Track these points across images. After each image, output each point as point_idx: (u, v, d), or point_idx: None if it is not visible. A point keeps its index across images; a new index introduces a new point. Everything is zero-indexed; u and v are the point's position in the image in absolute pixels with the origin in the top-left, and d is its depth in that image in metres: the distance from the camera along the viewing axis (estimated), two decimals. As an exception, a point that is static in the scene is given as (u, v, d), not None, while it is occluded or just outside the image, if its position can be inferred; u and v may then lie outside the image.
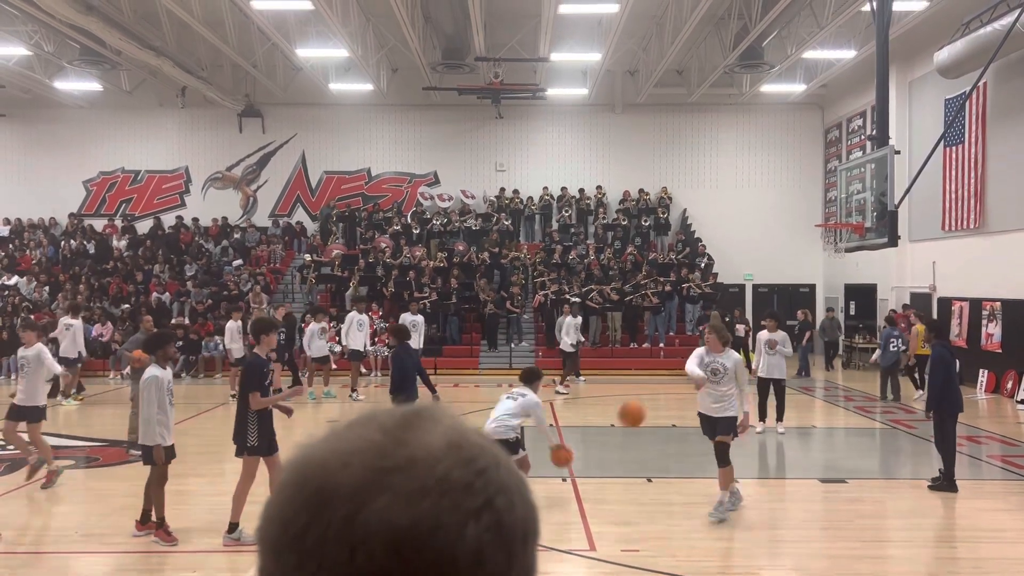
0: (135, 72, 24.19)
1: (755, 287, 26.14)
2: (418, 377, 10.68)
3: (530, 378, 8.27)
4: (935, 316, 19.56)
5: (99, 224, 26.46)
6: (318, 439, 0.72)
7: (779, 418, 12.39)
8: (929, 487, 9.16)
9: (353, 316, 16.60)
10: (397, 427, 0.70)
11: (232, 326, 16.27)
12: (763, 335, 12.42)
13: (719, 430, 8.18)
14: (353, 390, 16.04)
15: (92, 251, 25.17)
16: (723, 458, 8.11)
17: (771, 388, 12.32)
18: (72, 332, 15.38)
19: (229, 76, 24.85)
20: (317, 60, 22.06)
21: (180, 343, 18.92)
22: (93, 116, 26.30)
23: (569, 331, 17.72)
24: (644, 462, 10.82)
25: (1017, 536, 7.71)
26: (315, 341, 16.22)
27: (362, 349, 16.67)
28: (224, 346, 16.91)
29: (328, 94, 24.33)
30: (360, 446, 0.68)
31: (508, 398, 8.06)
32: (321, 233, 25.62)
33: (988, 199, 17.69)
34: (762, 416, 12.43)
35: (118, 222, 26.62)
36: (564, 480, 9.46)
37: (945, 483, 9.09)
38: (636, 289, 21.61)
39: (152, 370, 7.31)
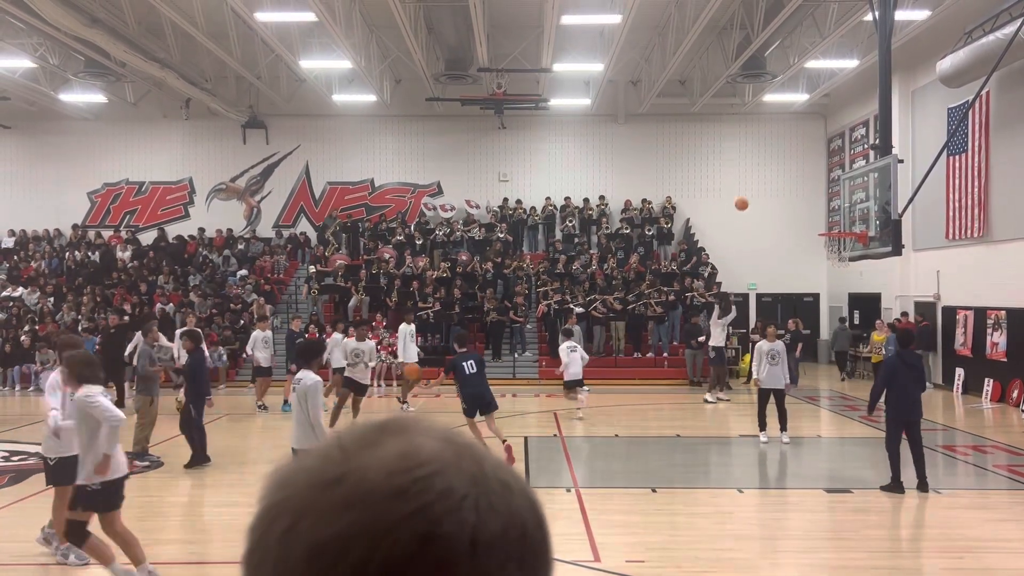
0: (139, 84, 24.31)
1: (759, 296, 26.10)
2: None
3: (309, 355, 7.49)
4: (939, 325, 19.54)
5: (103, 235, 26.52)
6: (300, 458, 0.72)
7: (783, 427, 12.33)
8: (880, 488, 9.42)
9: (404, 328, 16.28)
10: (356, 443, 0.68)
11: (258, 335, 16.26)
12: (763, 345, 12.37)
13: None
14: (404, 401, 15.89)
15: (96, 262, 25.22)
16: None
17: (771, 398, 12.25)
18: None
19: (233, 88, 24.95)
20: (321, 71, 22.15)
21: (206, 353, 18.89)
22: (98, 128, 26.42)
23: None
24: (648, 473, 10.78)
25: (1023, 546, 7.67)
26: (260, 351, 16.16)
27: (415, 360, 16.14)
28: (250, 352, 16.80)
29: (332, 105, 24.42)
30: (312, 464, 0.67)
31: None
32: (319, 243, 25.67)
33: (992, 208, 17.67)
34: (762, 426, 12.36)
35: (122, 233, 26.69)
36: (568, 491, 9.43)
37: (892, 484, 9.36)
38: (639, 299, 21.59)
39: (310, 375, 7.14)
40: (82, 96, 24.30)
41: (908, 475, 9.46)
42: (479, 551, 0.62)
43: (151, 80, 22.75)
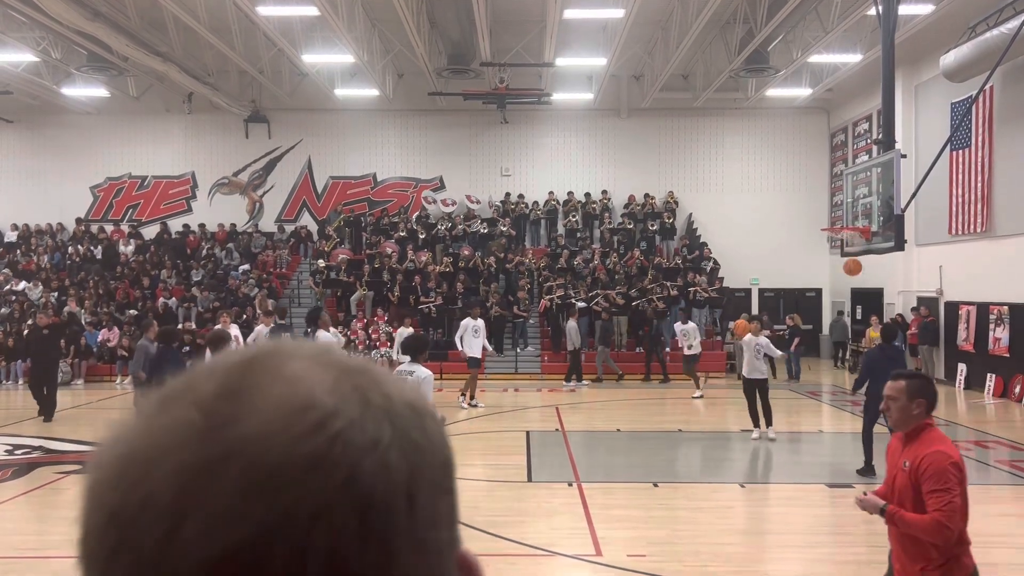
0: (142, 78, 24.31)
1: (761, 291, 26.08)
2: None
3: (418, 349, 7.60)
4: (942, 320, 19.51)
5: (105, 229, 26.56)
6: (123, 426, 0.53)
7: (768, 422, 12.18)
8: (856, 471, 10.02)
9: (468, 322, 16.09)
10: (218, 397, 0.50)
11: (262, 330, 16.26)
12: (748, 338, 12.36)
13: None
14: (472, 397, 15.67)
15: (99, 256, 25.26)
16: None
17: (756, 391, 12.23)
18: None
19: (235, 82, 24.94)
20: (323, 66, 22.13)
21: (187, 348, 18.95)
22: (100, 122, 26.43)
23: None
24: (650, 467, 10.79)
25: (1026, 541, 7.67)
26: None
27: (479, 355, 15.97)
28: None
29: (334, 99, 24.41)
30: (173, 435, 0.49)
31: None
32: (320, 237, 25.68)
33: (995, 203, 17.63)
34: (755, 422, 12.32)
35: (125, 227, 26.72)
36: (570, 485, 9.44)
37: (864, 468, 10.05)
38: (642, 294, 21.58)
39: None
40: (84, 90, 24.30)
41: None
42: (416, 503, 0.52)
43: (153, 74, 22.73)
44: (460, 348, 16.37)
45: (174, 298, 22.76)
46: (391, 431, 0.52)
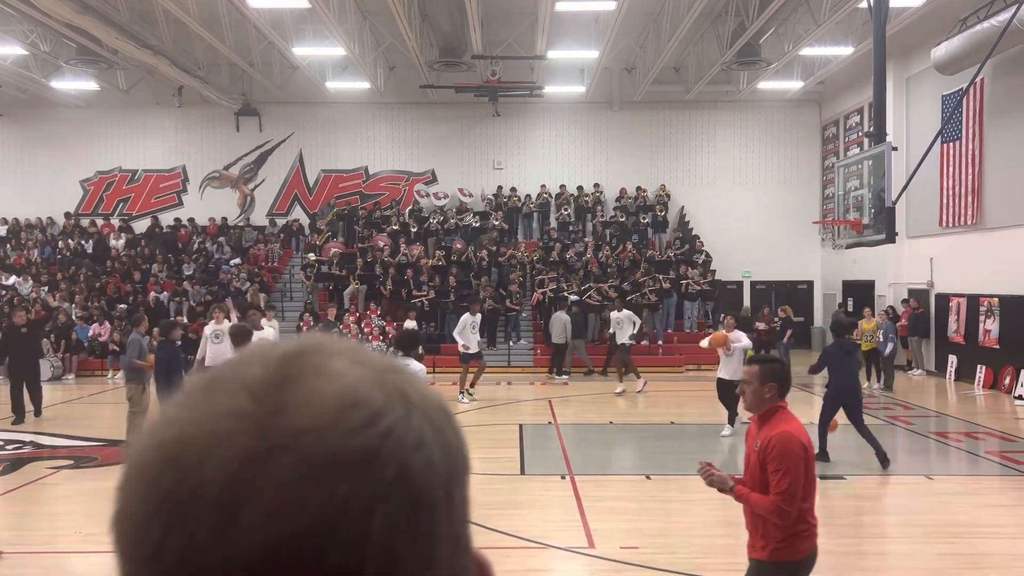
0: (132, 71, 24.15)
1: (753, 284, 26.15)
2: None
3: (409, 343, 7.77)
4: (932, 312, 19.61)
5: (96, 223, 26.43)
6: (167, 413, 0.54)
7: (730, 420, 12.06)
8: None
9: (467, 318, 16.11)
10: (271, 385, 0.52)
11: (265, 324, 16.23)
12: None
13: None
14: (463, 390, 15.66)
15: (90, 251, 25.15)
16: None
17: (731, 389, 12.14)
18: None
19: (226, 75, 24.81)
20: (314, 58, 22.03)
21: (179, 343, 18.87)
22: (90, 115, 26.27)
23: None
24: (642, 459, 10.83)
25: (1016, 531, 7.73)
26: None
27: (478, 350, 16.00)
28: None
29: (325, 92, 24.31)
30: (226, 422, 0.50)
31: None
32: (312, 231, 25.63)
33: (985, 195, 17.70)
34: (731, 420, 12.16)
35: (115, 221, 26.59)
36: (563, 478, 9.46)
37: (819, 455, 9.88)
38: (635, 287, 21.61)
39: None
40: (74, 83, 24.14)
41: (903, 467, 9.50)
42: (453, 501, 0.55)
43: (143, 67, 22.60)
44: (459, 342, 16.34)
45: (165, 292, 22.68)
46: (431, 431, 0.54)
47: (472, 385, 15.87)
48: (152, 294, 22.39)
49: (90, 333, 20.79)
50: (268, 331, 14.22)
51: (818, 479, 9.56)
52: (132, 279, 23.53)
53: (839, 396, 10.20)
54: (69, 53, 21.29)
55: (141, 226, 26.52)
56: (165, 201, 26.96)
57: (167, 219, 26.58)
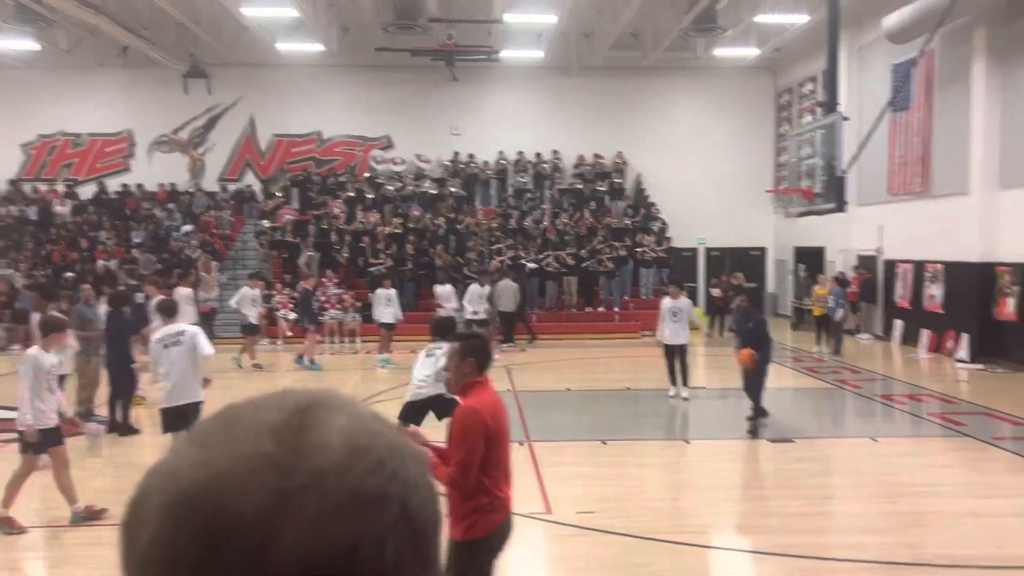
0: (73, 30, 23.24)
1: (708, 251, 26.46)
2: None
3: (446, 331, 7.94)
4: (880, 278, 20.10)
5: (39, 189, 25.60)
6: (189, 447, 0.62)
7: (684, 383, 12.44)
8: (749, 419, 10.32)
9: (381, 292, 16.60)
10: (289, 430, 0.61)
11: (247, 292, 16.06)
12: (666, 302, 12.42)
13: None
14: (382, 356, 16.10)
15: (33, 217, 24.39)
16: None
17: (676, 354, 12.46)
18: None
19: (172, 35, 24.05)
20: (264, 19, 21.44)
21: (127, 314, 18.49)
22: (30, 76, 25.28)
23: (473, 299, 17.57)
24: (599, 425, 10.97)
25: (955, 490, 8.03)
26: (248, 308, 16.04)
27: (393, 322, 16.55)
28: (234, 306, 16.66)
29: (276, 54, 23.73)
30: (255, 462, 0.59)
31: (428, 355, 7.89)
32: (265, 197, 25.19)
33: (933, 164, 18.08)
34: (673, 380, 12.55)
35: (60, 187, 25.79)
36: (521, 444, 9.56)
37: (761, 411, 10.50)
38: (592, 254, 21.72)
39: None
40: (12, 42, 23.15)
41: (850, 429, 9.73)
42: (438, 531, 0.65)
43: (85, 26, 21.77)
44: (375, 316, 16.80)
45: (114, 260, 22.15)
46: (420, 475, 0.65)
47: (383, 352, 16.17)
48: (100, 262, 21.85)
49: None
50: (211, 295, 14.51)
51: (768, 443, 9.79)
52: (79, 247, 22.92)
53: (769, 362, 10.58)
54: (6, 12, 20.42)
55: (87, 192, 25.75)
56: (111, 166, 26.19)
57: (114, 185, 25.85)
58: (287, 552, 0.56)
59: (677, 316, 12.16)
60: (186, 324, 8.25)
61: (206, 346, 7.82)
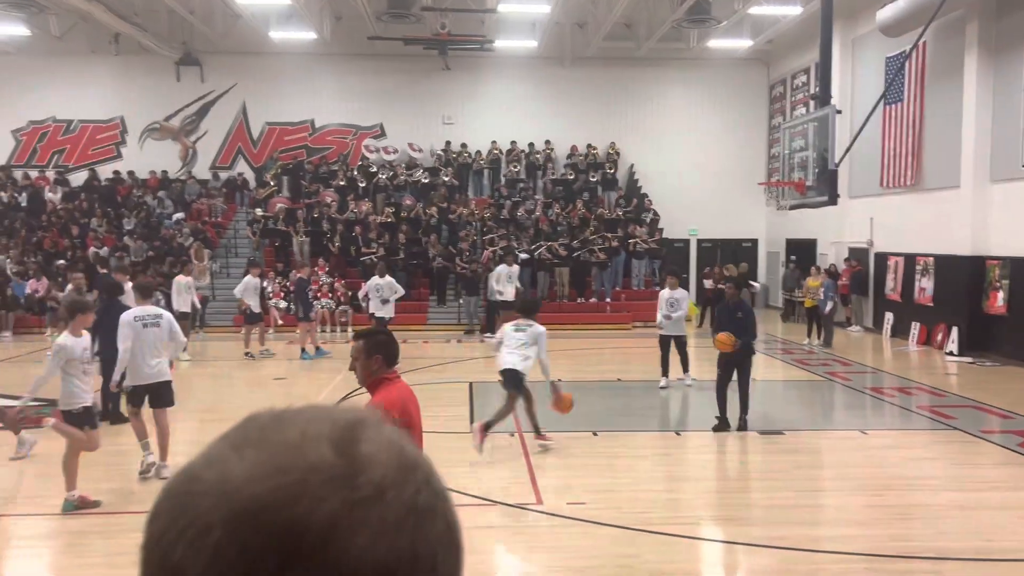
0: (65, 16, 23.08)
1: (699, 242, 26.52)
2: None
3: (532, 309, 9.44)
4: (871, 271, 20.19)
5: (30, 176, 25.44)
6: (234, 452, 0.64)
7: (685, 370, 12.65)
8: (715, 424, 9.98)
9: (375, 281, 16.26)
10: (344, 442, 0.64)
11: (250, 281, 15.98)
12: (664, 293, 12.53)
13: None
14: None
15: (24, 204, 24.25)
16: None
17: (672, 344, 12.53)
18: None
19: (165, 22, 23.90)
20: (257, 6, 21.33)
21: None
22: (21, 62, 25.08)
23: (501, 280, 18.00)
24: (590, 416, 11.01)
25: (941, 484, 8.11)
26: (251, 298, 16.00)
27: (385, 316, 16.16)
28: (237, 296, 16.67)
29: (269, 42, 23.61)
30: (326, 472, 0.62)
31: (517, 330, 9.03)
32: (259, 185, 25.11)
33: (924, 157, 18.15)
34: (665, 371, 12.63)
35: (51, 174, 25.64)
36: (512, 435, 9.59)
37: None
38: (584, 245, 21.74)
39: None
40: (3, 28, 22.97)
41: (839, 421, 9.78)
42: (462, 546, 0.70)
43: (77, 12, 21.62)
44: (363, 305, 16.82)
45: (106, 247, 22.06)
46: (448, 492, 0.70)
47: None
48: (92, 249, 21.76)
49: (27, 290, 20.16)
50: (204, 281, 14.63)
51: (758, 435, 9.84)
52: (70, 234, 22.81)
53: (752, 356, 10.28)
54: (-4, -4, 20.26)
55: (78, 179, 25.63)
56: (103, 153, 26.05)
57: (105, 172, 25.72)
58: (358, 558, 0.59)
59: (675, 307, 12.23)
60: (163, 309, 8.83)
61: (180, 333, 8.51)
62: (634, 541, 6.43)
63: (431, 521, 0.64)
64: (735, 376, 9.94)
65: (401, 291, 16.43)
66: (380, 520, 0.61)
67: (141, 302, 8.37)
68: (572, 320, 20.57)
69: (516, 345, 8.89)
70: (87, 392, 7.21)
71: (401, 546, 0.61)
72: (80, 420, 7.14)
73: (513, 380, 8.81)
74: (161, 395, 8.17)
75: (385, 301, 15.74)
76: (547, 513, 7.05)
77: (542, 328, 9.07)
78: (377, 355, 4.13)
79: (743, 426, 9.90)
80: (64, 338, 7.19)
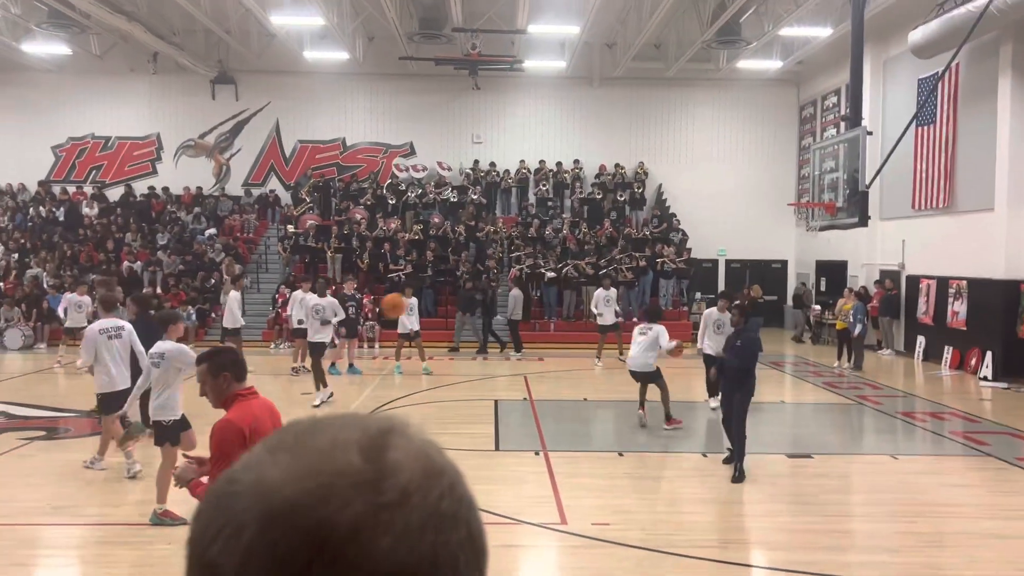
0: (105, 36, 23.67)
1: (728, 262, 26.37)
2: None
3: (655, 315, 11.60)
4: (903, 293, 19.92)
5: (68, 191, 26.00)
6: (272, 456, 0.68)
7: (711, 394, 12.40)
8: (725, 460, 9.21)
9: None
10: (373, 448, 0.67)
11: (298, 296, 15.67)
12: (712, 313, 12.43)
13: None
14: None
15: (62, 218, 24.77)
16: None
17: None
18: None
19: (202, 42, 24.40)
20: (292, 27, 21.72)
21: (152, 312, 18.72)
22: (62, 80, 25.73)
23: (599, 303, 18.13)
24: (616, 436, 10.98)
25: (976, 512, 7.95)
26: (299, 312, 15.60)
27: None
28: (288, 313, 16.84)
29: (303, 62, 24.00)
30: (353, 476, 0.65)
31: (641, 333, 10.89)
32: (293, 201, 25.43)
33: (957, 179, 17.93)
34: (712, 392, 12.48)
35: (88, 189, 26.19)
36: (537, 454, 9.58)
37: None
38: (611, 264, 21.72)
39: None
40: (45, 47, 23.61)
41: (869, 445, 9.60)
42: (488, 554, 0.72)
43: (117, 33, 22.15)
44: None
45: (139, 262, 22.45)
46: (474, 499, 0.71)
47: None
48: (126, 263, 22.15)
49: (62, 304, 20.50)
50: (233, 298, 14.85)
51: (786, 458, 9.71)
52: (105, 248, 23.25)
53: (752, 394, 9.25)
54: (40, 16, 20.83)
55: (114, 194, 26.15)
56: (139, 169, 26.57)
57: (141, 187, 26.22)
58: (380, 560, 0.62)
59: (721, 329, 12.09)
60: (125, 321, 9.31)
61: (138, 343, 8.95)
62: (660, 564, 6.38)
63: (453, 527, 0.67)
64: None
65: (342, 314, 14.41)
66: (404, 524, 0.64)
67: (105, 315, 9.02)
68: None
69: (643, 347, 10.71)
70: (180, 406, 7.59)
71: (423, 550, 0.64)
72: (167, 434, 7.46)
73: (642, 378, 11.06)
74: (123, 401, 8.54)
75: (326, 323, 13.51)
76: (572, 533, 7.02)
77: (661, 327, 10.88)
78: (224, 373, 4.16)
79: (737, 477, 8.68)
80: (173, 344, 7.57)
